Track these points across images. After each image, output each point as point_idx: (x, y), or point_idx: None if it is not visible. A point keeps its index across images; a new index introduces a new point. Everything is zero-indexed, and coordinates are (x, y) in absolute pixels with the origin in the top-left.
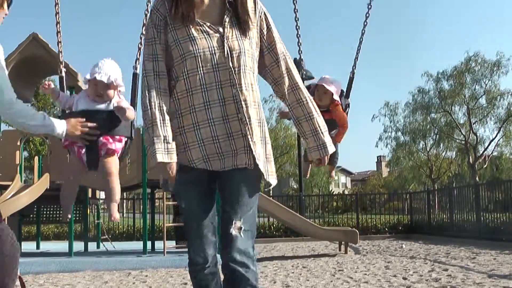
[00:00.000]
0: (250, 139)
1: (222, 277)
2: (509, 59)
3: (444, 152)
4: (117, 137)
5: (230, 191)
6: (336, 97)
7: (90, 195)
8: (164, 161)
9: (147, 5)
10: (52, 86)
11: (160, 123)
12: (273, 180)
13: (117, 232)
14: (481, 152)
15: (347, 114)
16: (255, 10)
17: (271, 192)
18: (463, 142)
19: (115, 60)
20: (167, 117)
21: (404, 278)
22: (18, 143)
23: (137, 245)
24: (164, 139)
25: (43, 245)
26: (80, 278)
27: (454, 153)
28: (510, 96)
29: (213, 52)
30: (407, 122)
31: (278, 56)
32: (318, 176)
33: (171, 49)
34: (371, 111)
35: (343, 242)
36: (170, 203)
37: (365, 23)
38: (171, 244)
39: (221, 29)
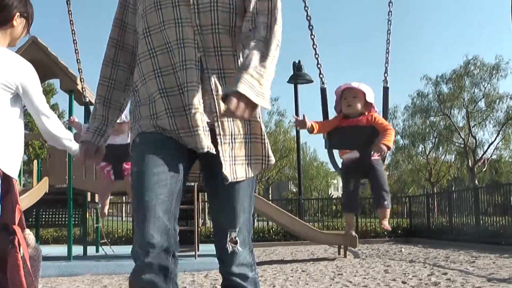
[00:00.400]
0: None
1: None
2: (508, 62)
3: (443, 156)
4: None
5: (222, 195)
6: (370, 98)
7: (89, 199)
8: (86, 140)
9: None
10: (76, 120)
11: (105, 103)
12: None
13: (116, 236)
14: (480, 155)
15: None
16: None
17: (270, 196)
18: (462, 145)
19: None
20: (114, 97)
21: (404, 282)
22: None
23: None
24: (102, 120)
25: (42, 249)
26: (79, 282)
27: (453, 156)
28: (509, 99)
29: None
30: (406, 126)
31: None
32: (317, 179)
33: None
34: None
35: (342, 246)
36: None
37: (389, 31)
38: None
39: None
